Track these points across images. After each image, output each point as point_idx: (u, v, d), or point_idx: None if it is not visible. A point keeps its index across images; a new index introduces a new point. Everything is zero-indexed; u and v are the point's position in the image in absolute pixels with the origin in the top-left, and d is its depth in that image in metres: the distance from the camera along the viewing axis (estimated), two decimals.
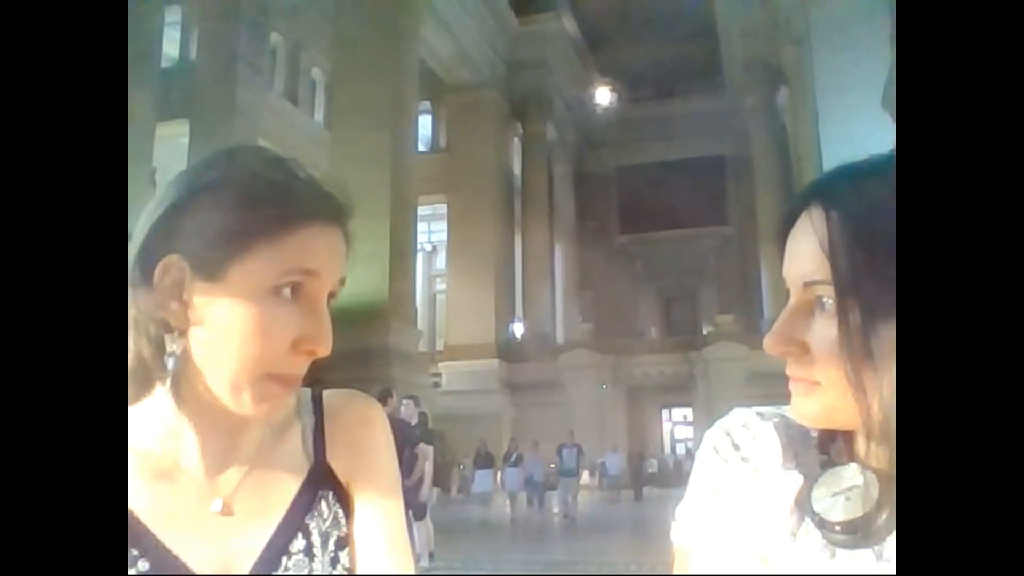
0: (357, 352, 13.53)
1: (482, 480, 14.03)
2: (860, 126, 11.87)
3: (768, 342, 0.56)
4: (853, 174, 0.56)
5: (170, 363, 0.59)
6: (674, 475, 22.17)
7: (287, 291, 0.59)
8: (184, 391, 0.61)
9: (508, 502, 14.40)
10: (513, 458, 14.98)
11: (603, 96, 31.11)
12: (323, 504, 0.65)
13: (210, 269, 0.58)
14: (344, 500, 0.66)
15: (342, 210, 0.63)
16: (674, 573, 0.65)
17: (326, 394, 0.70)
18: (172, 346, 0.59)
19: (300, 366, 0.60)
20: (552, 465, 14.85)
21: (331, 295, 0.62)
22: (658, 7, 28.97)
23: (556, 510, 13.86)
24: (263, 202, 0.59)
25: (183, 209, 0.59)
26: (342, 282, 0.63)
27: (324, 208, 0.61)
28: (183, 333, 0.59)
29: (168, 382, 0.60)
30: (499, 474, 15.26)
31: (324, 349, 0.60)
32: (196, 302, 0.59)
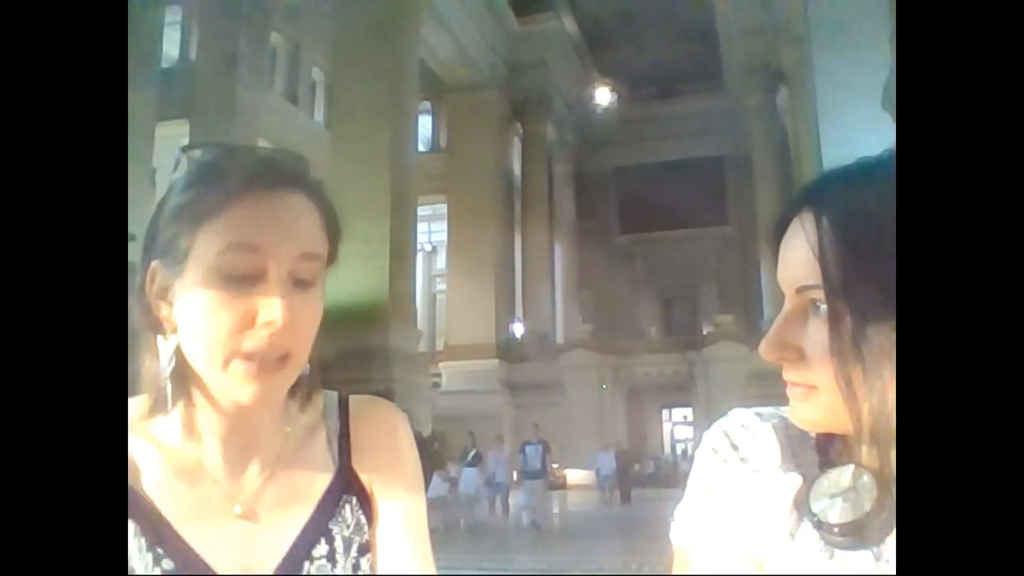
0: (357, 352, 13.50)
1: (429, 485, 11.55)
2: (860, 126, 11.85)
3: (764, 348, 0.56)
4: (843, 178, 0.56)
5: (163, 364, 0.60)
6: (670, 476, 22.05)
7: (238, 270, 0.58)
8: (191, 391, 0.62)
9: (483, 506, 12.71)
10: (470, 457, 12.75)
11: (603, 96, 31.06)
12: (347, 509, 0.65)
13: (176, 265, 0.59)
14: (367, 506, 0.66)
15: (282, 175, 0.61)
16: (673, 573, 0.65)
17: (352, 400, 0.70)
18: (164, 349, 0.60)
19: (264, 342, 0.58)
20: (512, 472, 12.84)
21: (306, 282, 0.60)
22: (658, 7, 28.95)
23: (523, 517, 11.74)
24: (202, 184, 0.60)
25: (156, 218, 0.61)
26: (307, 255, 0.60)
27: (263, 177, 0.60)
28: (175, 332, 0.60)
29: (168, 384, 0.60)
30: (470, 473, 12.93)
31: (277, 321, 0.57)
32: (177, 301, 0.60)
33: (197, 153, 0.62)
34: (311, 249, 0.60)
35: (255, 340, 0.58)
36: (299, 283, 0.60)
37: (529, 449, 12.17)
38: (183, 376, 0.61)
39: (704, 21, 27.86)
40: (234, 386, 0.59)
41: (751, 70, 26.82)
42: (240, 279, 0.58)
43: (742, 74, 27.58)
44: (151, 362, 0.61)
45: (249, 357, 0.58)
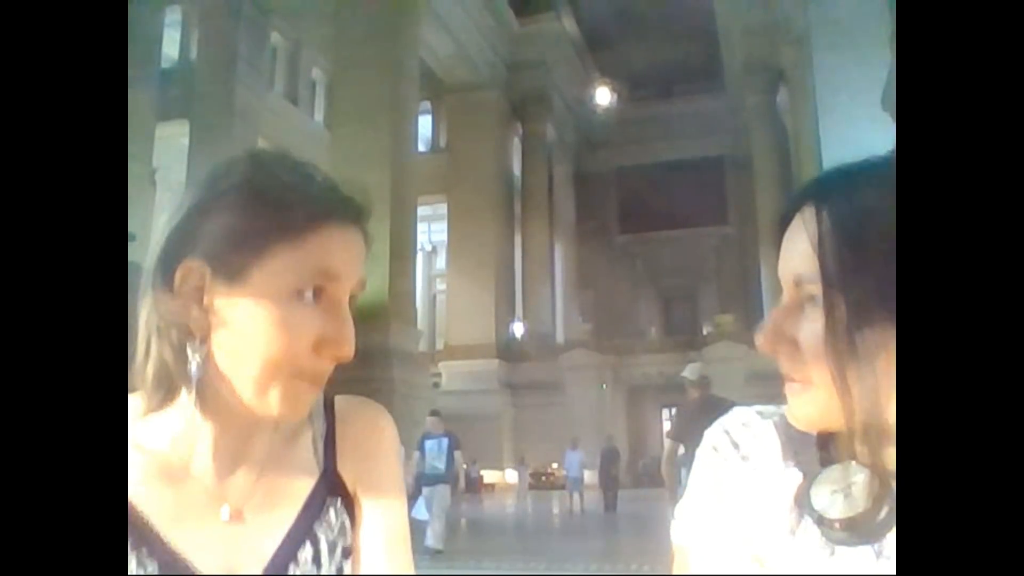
0: (357, 352, 13.47)
1: None
2: (860, 126, 11.87)
3: (759, 338, 0.57)
4: (846, 175, 0.57)
5: (193, 369, 0.58)
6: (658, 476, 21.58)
7: (309, 294, 0.58)
8: (208, 397, 0.60)
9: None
10: None
11: (603, 96, 31.06)
12: (331, 512, 0.65)
13: (230, 272, 0.58)
14: (351, 509, 0.66)
15: (360, 212, 0.63)
16: (674, 572, 0.65)
17: (338, 400, 0.70)
18: (194, 353, 0.58)
19: (325, 368, 0.60)
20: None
21: (352, 297, 0.62)
22: (658, 7, 28.97)
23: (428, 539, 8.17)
24: (282, 204, 0.59)
25: (203, 212, 0.59)
26: (362, 284, 0.63)
27: (342, 210, 0.61)
28: (205, 338, 0.58)
29: (193, 388, 0.59)
30: None
31: (348, 351, 0.60)
32: (217, 306, 0.58)
33: (268, 159, 0.62)
34: (363, 275, 0.63)
35: (316, 363, 0.59)
36: None
37: (430, 444, 8.58)
38: (205, 382, 0.59)
39: (704, 21, 27.86)
40: (276, 402, 0.59)
41: (751, 70, 26.85)
42: (314, 303, 0.59)
43: (742, 74, 27.61)
44: (171, 360, 0.59)
45: (303, 376, 0.59)
